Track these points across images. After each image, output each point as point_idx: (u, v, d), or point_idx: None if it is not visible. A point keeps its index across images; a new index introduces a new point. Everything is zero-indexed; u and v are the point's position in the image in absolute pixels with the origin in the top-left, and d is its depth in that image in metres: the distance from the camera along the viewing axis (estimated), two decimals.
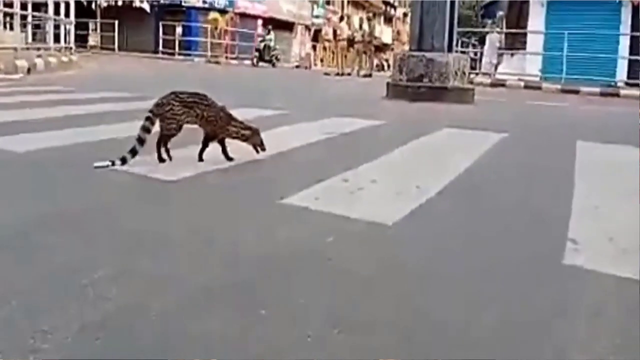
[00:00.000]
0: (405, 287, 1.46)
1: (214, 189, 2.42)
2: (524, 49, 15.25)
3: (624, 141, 4.29)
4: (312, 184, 2.46)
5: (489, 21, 19.91)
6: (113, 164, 2.56)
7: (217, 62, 20.80)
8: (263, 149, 2.86)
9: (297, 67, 24.52)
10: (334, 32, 18.50)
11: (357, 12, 31.43)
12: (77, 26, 15.84)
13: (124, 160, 2.58)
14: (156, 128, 2.70)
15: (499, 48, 16.54)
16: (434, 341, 1.18)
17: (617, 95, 10.92)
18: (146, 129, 2.64)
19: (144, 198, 2.25)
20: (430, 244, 1.83)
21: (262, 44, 21.13)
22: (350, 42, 17.26)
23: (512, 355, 1.15)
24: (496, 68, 15.72)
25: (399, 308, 1.33)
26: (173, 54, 21.86)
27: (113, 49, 21.31)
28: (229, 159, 2.83)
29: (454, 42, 8.71)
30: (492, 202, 2.43)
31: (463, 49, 17.44)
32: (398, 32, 35.92)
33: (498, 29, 18.19)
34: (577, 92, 11.23)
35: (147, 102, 3.18)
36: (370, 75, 16.60)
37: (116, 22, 21.66)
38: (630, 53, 12.63)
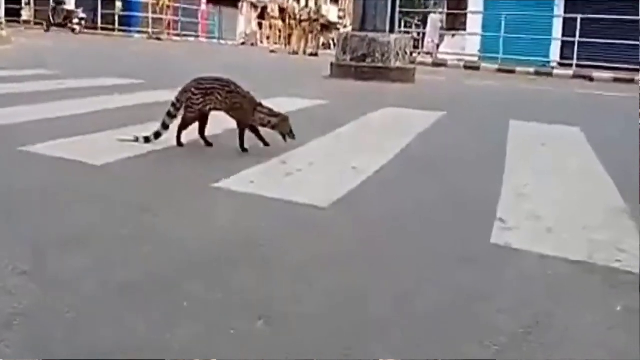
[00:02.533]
0: (337, 274, 1.46)
1: (144, 174, 2.32)
2: (464, 29, 15.59)
3: (555, 120, 4.47)
4: (249, 167, 2.42)
5: (431, 2, 20.16)
6: (136, 140, 2.67)
7: (158, 39, 20.09)
8: (292, 137, 2.70)
9: (242, 44, 24.02)
10: (281, 9, 18.21)
11: None
12: None
13: (147, 139, 2.67)
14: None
15: (441, 28, 16.82)
16: (363, 331, 1.19)
17: (551, 75, 11.37)
18: (171, 115, 2.68)
19: (65, 184, 2.13)
20: (363, 227, 1.84)
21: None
22: (296, 20, 17.06)
23: (444, 339, 1.17)
24: (438, 48, 16.00)
25: (329, 296, 1.32)
26: (113, 30, 20.93)
27: (48, 24, 20.12)
28: (266, 144, 2.74)
29: (397, 23, 8.78)
30: (426, 182, 2.47)
31: (406, 29, 17.62)
32: (344, 11, 35.82)
33: (440, 10, 18.47)
34: (513, 71, 11.61)
35: (75, 80, 3.01)
36: (316, 54, 16.52)
37: None
38: (563, 34, 13.16)
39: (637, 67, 11.17)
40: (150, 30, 21.24)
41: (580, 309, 1.35)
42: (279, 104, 4.78)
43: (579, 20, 12.22)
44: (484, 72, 11.86)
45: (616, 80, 10.58)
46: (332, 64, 8.34)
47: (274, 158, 2.61)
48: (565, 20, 13.40)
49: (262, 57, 14.25)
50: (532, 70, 11.57)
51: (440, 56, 15.04)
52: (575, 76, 11.18)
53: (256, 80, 7.55)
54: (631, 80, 10.47)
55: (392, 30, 8.32)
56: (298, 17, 17.20)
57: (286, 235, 1.70)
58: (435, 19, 17.35)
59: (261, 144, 2.77)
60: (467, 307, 1.31)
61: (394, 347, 1.12)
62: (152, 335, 1.09)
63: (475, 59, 13.96)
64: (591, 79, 10.70)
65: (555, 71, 11.80)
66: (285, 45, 17.71)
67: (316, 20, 17.45)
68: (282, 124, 2.69)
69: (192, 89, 2.67)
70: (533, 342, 1.16)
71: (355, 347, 1.10)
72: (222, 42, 23.90)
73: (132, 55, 11.10)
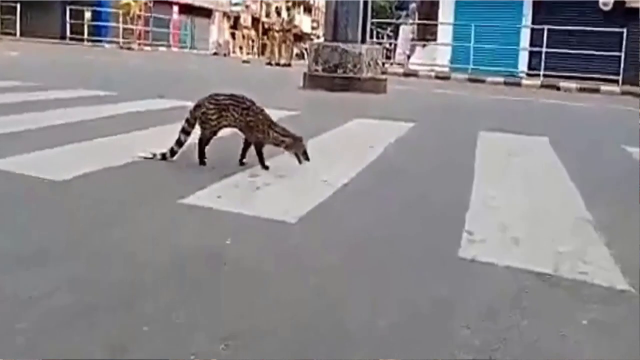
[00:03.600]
0: (303, 290, 1.43)
1: (106, 189, 2.25)
2: (435, 40, 15.81)
3: (523, 130, 4.54)
4: (216, 181, 2.38)
5: (403, 13, 20.46)
6: (154, 156, 2.64)
7: (129, 49, 19.85)
8: (307, 159, 2.58)
9: (215, 54, 23.90)
10: (253, 19, 18.20)
11: (277, 1, 31.15)
12: None
13: (163, 156, 2.64)
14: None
15: (412, 39, 17.04)
16: (330, 349, 1.16)
17: (519, 85, 11.61)
18: (185, 131, 2.62)
19: (24, 200, 2.06)
20: (331, 242, 1.81)
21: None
22: (269, 30, 17.07)
23: (410, 355, 1.15)
24: (409, 58, 16.19)
25: (295, 314, 1.29)
26: (82, 40, 20.60)
27: (14, 34, 19.73)
28: (265, 167, 2.65)
29: (368, 33, 8.84)
30: (395, 194, 2.46)
31: (378, 40, 17.78)
32: (317, 22, 36.07)
33: (411, 21, 18.72)
34: (483, 81, 11.81)
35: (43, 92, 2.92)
36: (289, 65, 16.52)
37: (18, 5, 20.04)
38: (531, 45, 13.46)
39: (602, 76, 11.50)
40: (120, 40, 20.97)
41: (546, 323, 1.34)
42: None
43: (545, 31, 12.53)
44: (454, 82, 12.04)
45: (582, 90, 10.85)
46: (304, 75, 8.35)
47: (243, 172, 2.58)
48: (532, 30, 13.72)
49: (234, 68, 14.19)
50: (501, 80, 11.80)
51: (411, 67, 15.21)
52: (542, 86, 11.44)
53: (230, 90, 7.51)
54: (596, 90, 10.76)
55: (363, 41, 8.37)
56: (271, 27, 17.20)
57: (252, 252, 1.66)
58: (407, 29, 17.58)
59: (256, 163, 2.69)
60: (434, 322, 1.30)
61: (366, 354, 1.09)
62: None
63: (446, 69, 14.16)
64: (558, 89, 10.95)
65: (523, 81, 12.05)
66: (259, 55, 17.69)
67: (289, 30, 17.48)
68: (296, 145, 2.58)
69: (207, 104, 2.59)
70: (499, 359, 1.15)
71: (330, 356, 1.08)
72: (194, 51, 23.76)
73: (102, 66, 10.92)
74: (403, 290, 1.46)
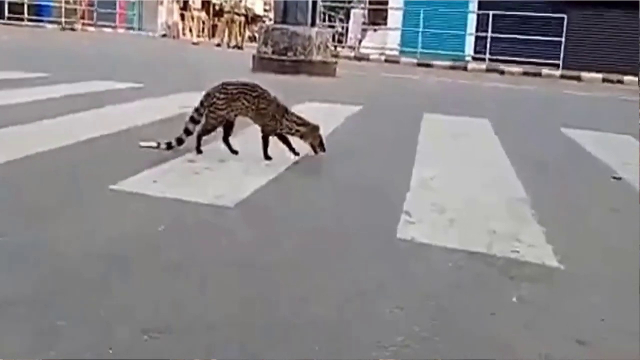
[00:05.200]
0: (237, 278, 1.38)
1: (32, 177, 2.13)
2: (386, 24, 15.89)
3: (466, 112, 4.63)
4: (153, 166, 2.29)
5: None
6: (158, 146, 2.52)
7: (72, 29, 18.96)
8: (323, 149, 2.50)
9: (164, 36, 23.12)
10: (204, 1, 17.69)
11: None
12: None
13: (169, 146, 2.52)
14: None
15: (363, 23, 17.06)
16: (261, 338, 1.12)
17: (465, 69, 11.85)
18: (194, 120, 2.52)
19: None
20: (269, 226, 1.77)
21: None
22: (220, 12, 16.65)
23: (343, 340, 1.13)
24: (360, 42, 16.22)
25: (226, 303, 1.25)
26: (22, 20, 19.49)
27: None
28: (296, 153, 2.55)
29: (318, 16, 8.77)
30: (338, 176, 2.45)
31: (330, 24, 17.71)
32: (270, 4, 35.50)
33: (362, 5, 18.71)
34: (431, 65, 11.98)
35: None
36: (240, 47, 16.20)
37: None
38: (477, 30, 13.75)
39: (544, 61, 11.89)
40: (63, 20, 19.98)
41: (478, 302, 1.36)
42: (195, 99, 4.67)
43: (490, 17, 12.81)
44: (403, 65, 12.15)
45: (525, 73, 11.19)
46: (254, 57, 8.21)
47: (182, 156, 2.49)
48: (479, 16, 14.00)
49: (183, 50, 13.78)
50: (448, 64, 12.00)
51: (362, 50, 15.24)
52: (487, 70, 11.72)
53: (175, 73, 7.31)
54: (538, 74, 11.13)
55: (313, 24, 8.30)
56: (222, 8, 16.77)
57: (185, 239, 1.60)
58: (358, 14, 17.58)
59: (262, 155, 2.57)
60: (367, 305, 1.29)
61: (292, 352, 1.06)
62: (18, 356, 0.97)
63: (396, 53, 14.28)
64: (502, 73, 11.25)
65: (469, 65, 12.32)
66: (209, 37, 17.24)
67: (240, 12, 17.12)
68: (311, 134, 2.50)
69: (217, 94, 2.50)
70: (430, 340, 1.15)
71: (252, 356, 1.04)
72: (142, 33, 22.92)
73: (39, 47, 10.37)
74: (338, 273, 1.45)
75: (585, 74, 10.88)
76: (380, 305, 1.29)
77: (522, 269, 1.55)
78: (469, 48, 13.96)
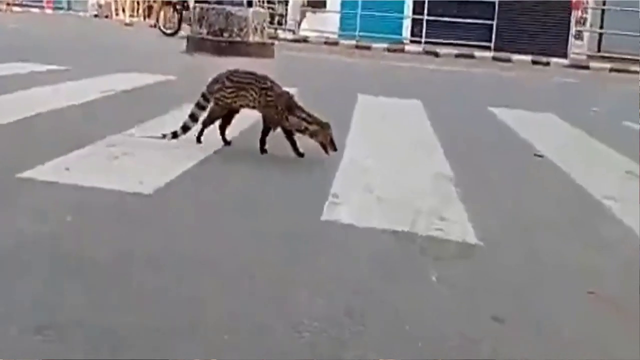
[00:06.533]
0: (150, 271, 1.31)
1: None
2: (325, 7, 15.80)
3: (400, 94, 4.66)
4: (67, 152, 2.14)
5: None
6: (164, 136, 2.42)
7: None
8: (334, 149, 2.33)
9: (95, 16, 21.95)
10: None
11: None
12: None
13: (174, 135, 2.43)
14: None
15: (303, 5, 16.87)
16: (170, 333, 1.06)
17: (402, 51, 11.98)
18: (200, 106, 2.43)
19: None
20: (189, 213, 1.70)
21: None
22: None
23: (259, 329, 1.09)
24: (300, 25, 16.07)
25: (133, 299, 1.17)
26: None
27: None
28: (300, 154, 2.37)
29: None
30: (269, 157, 2.38)
31: (270, 5, 17.38)
32: None
33: None
34: (369, 48, 12.04)
35: None
36: (178, 29, 15.63)
37: None
38: (414, 13, 13.91)
39: (477, 43, 12.22)
40: None
41: (398, 282, 1.35)
42: (124, 80, 4.48)
43: (426, 1, 12.99)
44: (342, 48, 12.14)
45: (458, 55, 11.45)
46: (188, 38, 7.94)
47: (100, 140, 2.35)
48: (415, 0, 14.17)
49: (115, 31, 13.17)
50: (385, 46, 12.10)
51: (302, 33, 15.11)
52: (423, 52, 11.91)
53: (103, 55, 6.94)
54: (471, 56, 11.42)
55: (249, 5, 8.11)
56: None
57: (96, 229, 1.50)
58: None
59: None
60: (285, 291, 1.25)
61: (198, 346, 1.01)
62: None
63: (335, 35, 14.25)
64: (437, 55, 11.46)
65: (406, 48, 12.46)
66: (144, 18, 16.53)
67: None
68: (321, 133, 2.33)
69: (225, 81, 2.36)
70: (348, 324, 1.13)
71: (157, 353, 0.98)
72: (72, 13, 21.69)
73: None
74: (258, 260, 1.40)
75: (515, 56, 11.27)
76: (298, 290, 1.26)
77: (444, 247, 1.56)
78: (406, 31, 14.12)
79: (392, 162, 2.44)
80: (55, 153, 2.11)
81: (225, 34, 7.74)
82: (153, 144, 2.40)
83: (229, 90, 2.38)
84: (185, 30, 14.47)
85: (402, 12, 14.26)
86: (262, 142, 2.41)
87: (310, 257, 1.44)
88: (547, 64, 11.00)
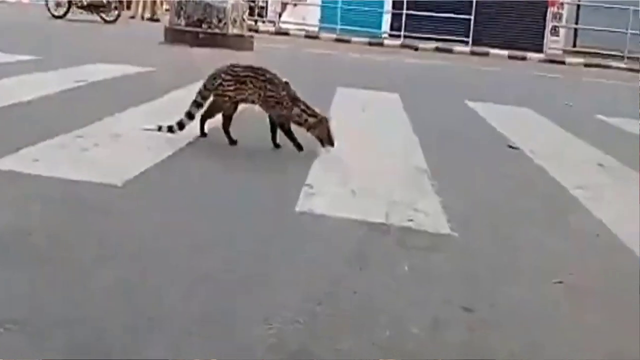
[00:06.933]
0: (117, 265, 1.28)
1: None
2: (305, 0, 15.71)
3: (378, 87, 4.66)
4: (35, 143, 2.09)
5: None
6: (160, 129, 2.38)
7: None
8: (331, 144, 2.29)
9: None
10: None
11: None
12: None
13: (170, 129, 2.37)
14: None
15: None
16: (138, 330, 1.04)
17: (382, 45, 12.01)
18: (197, 103, 2.37)
19: None
20: (159, 206, 1.67)
21: None
22: None
23: (230, 321, 1.08)
24: (280, 17, 15.96)
25: (102, 293, 1.15)
26: None
27: None
28: (300, 148, 2.33)
29: None
30: (244, 148, 2.36)
31: None
32: None
33: None
34: (349, 41, 12.03)
35: None
36: (157, 19, 15.37)
37: None
38: (393, 8, 13.93)
39: (456, 38, 12.30)
40: None
41: (372, 272, 1.36)
42: (98, 70, 4.39)
43: None
44: (323, 41, 12.11)
45: (437, 49, 11.52)
46: (165, 29, 7.82)
47: (70, 132, 2.30)
48: None
49: (94, 21, 12.90)
50: (366, 40, 12.10)
51: (282, 25, 15.01)
52: (402, 46, 11.95)
53: (80, 45, 6.79)
54: (450, 51, 11.50)
55: None
56: None
57: (64, 221, 1.47)
58: None
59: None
60: (258, 282, 1.24)
61: (166, 340, 1.00)
62: None
63: (316, 28, 14.19)
64: (416, 49, 11.51)
65: (386, 42, 12.50)
66: (124, 8, 16.19)
67: None
68: (319, 126, 2.30)
69: (224, 75, 2.31)
70: (319, 315, 1.12)
71: (121, 346, 0.96)
72: (43, 1, 21.18)
73: None
74: (232, 253, 1.38)
75: (493, 51, 11.38)
76: (271, 281, 1.25)
77: (417, 237, 1.57)
78: (386, 25, 14.15)
79: (369, 154, 2.44)
80: (24, 144, 2.06)
81: (204, 26, 7.64)
82: (125, 134, 2.36)
83: (229, 82, 2.34)
84: (165, 20, 14.26)
85: (382, 6, 14.28)
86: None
87: (283, 248, 1.43)
88: (524, 58, 11.14)
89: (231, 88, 2.34)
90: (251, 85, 2.33)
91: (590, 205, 1.99)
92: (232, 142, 2.37)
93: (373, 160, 2.35)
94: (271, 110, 2.36)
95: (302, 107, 2.33)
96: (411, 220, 1.67)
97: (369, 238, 1.54)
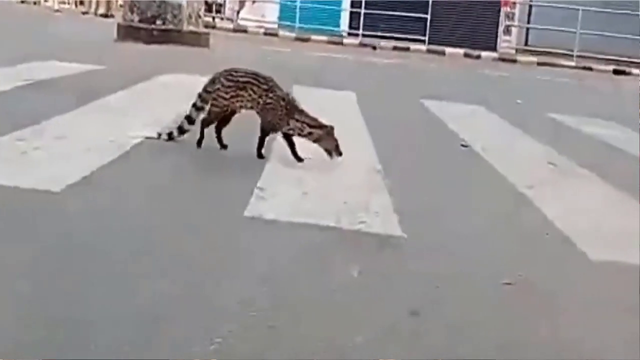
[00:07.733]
0: (54, 274, 1.21)
1: None
2: None
3: (334, 85, 4.65)
4: None
5: None
6: (159, 137, 2.31)
7: None
8: (339, 154, 2.16)
9: (22, 2, 20.59)
10: None
11: None
12: None
13: (170, 136, 2.31)
14: None
15: None
16: (65, 339, 0.98)
17: (341, 43, 12.03)
18: (197, 107, 2.28)
19: None
20: (100, 212, 1.59)
21: None
22: None
23: (170, 335, 1.03)
24: (238, 14, 15.78)
25: (31, 302, 1.09)
26: None
27: None
28: (299, 159, 2.19)
29: None
30: (191, 150, 2.29)
31: None
32: None
33: None
34: (308, 40, 12.00)
35: None
36: (111, 16, 14.93)
37: None
38: (352, 6, 13.99)
39: (413, 37, 12.45)
40: None
41: (320, 280, 1.33)
42: (45, 69, 4.20)
43: None
44: (282, 39, 12.03)
45: (395, 48, 11.64)
46: (119, 25, 7.59)
47: (9, 134, 2.18)
48: None
49: (43, 17, 12.42)
50: (324, 38, 12.10)
51: (241, 22, 14.85)
52: (361, 45, 12.02)
53: (26, 42, 6.50)
54: (407, 49, 11.64)
55: None
56: None
57: None
58: None
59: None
60: (200, 294, 1.19)
61: (97, 354, 0.94)
62: None
63: (275, 26, 14.10)
64: (374, 48, 11.59)
65: (345, 40, 12.54)
66: (76, 5, 15.67)
67: None
68: (326, 138, 2.19)
69: (223, 80, 2.19)
70: (264, 328, 1.08)
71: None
72: None
73: None
74: (173, 262, 1.33)
75: (448, 49, 11.58)
76: (213, 292, 1.21)
77: (367, 240, 1.55)
78: (344, 24, 14.19)
79: (322, 156, 2.41)
80: None
81: (158, 22, 7.46)
82: (68, 137, 2.26)
83: (227, 89, 2.23)
84: (119, 17, 13.88)
85: (341, 4, 14.32)
86: (260, 146, 2.26)
87: (228, 256, 1.39)
88: (478, 57, 11.38)
89: (228, 95, 2.24)
90: (250, 92, 2.23)
91: (539, 204, 2.02)
92: (223, 146, 2.31)
93: (327, 161, 2.32)
94: (264, 117, 2.26)
95: (305, 119, 2.24)
96: (362, 222, 1.65)
97: (318, 242, 1.51)
